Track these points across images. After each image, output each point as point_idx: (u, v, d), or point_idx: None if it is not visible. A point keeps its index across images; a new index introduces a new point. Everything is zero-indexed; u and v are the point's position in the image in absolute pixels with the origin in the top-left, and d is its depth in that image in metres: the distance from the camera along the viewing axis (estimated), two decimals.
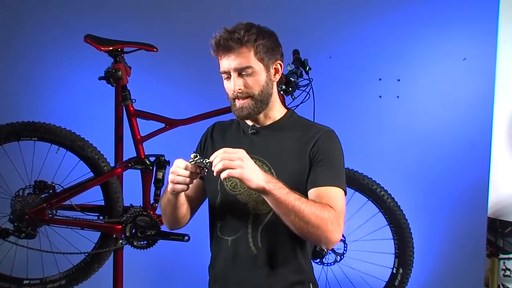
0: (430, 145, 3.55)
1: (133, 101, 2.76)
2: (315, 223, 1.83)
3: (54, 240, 2.86)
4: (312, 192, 1.96)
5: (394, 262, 2.96)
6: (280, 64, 2.09)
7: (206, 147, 2.21)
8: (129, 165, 2.77)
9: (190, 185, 1.91)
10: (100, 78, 2.72)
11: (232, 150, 1.80)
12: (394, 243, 2.94)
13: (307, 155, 1.99)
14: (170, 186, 1.89)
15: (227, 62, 1.98)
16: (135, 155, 2.79)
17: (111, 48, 2.68)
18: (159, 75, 3.51)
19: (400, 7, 3.55)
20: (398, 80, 3.57)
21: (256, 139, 2.08)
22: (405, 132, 3.57)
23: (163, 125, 2.81)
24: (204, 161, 1.83)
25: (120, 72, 2.69)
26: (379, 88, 3.58)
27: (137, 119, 2.78)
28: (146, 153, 2.79)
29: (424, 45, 3.55)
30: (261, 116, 2.07)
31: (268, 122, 2.09)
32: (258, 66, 2.00)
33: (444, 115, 3.56)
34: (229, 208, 2.05)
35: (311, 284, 2.07)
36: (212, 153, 1.87)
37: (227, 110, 2.76)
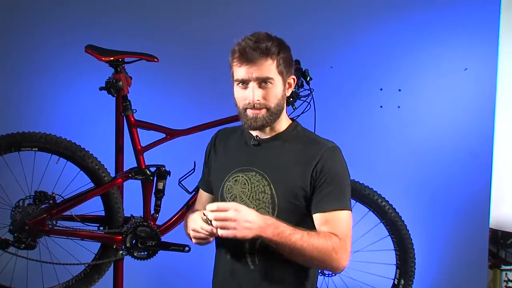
0: (432, 155, 3.54)
1: (134, 111, 2.76)
2: (319, 257, 1.89)
3: (54, 251, 2.85)
4: (317, 217, 1.98)
5: (396, 273, 2.94)
6: (293, 78, 2.09)
7: (210, 157, 2.23)
8: (130, 175, 2.76)
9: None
10: (101, 88, 2.72)
11: (224, 206, 1.84)
12: (396, 254, 2.93)
13: (309, 174, 1.97)
14: (194, 241, 2.00)
15: (248, 71, 1.95)
16: (136, 165, 2.78)
17: (112, 58, 2.68)
18: (160, 85, 3.50)
19: (401, 18, 3.55)
20: (399, 90, 3.56)
21: (258, 151, 2.07)
22: (406, 142, 3.56)
23: (164, 135, 2.80)
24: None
25: (120, 82, 2.69)
26: (380, 98, 3.57)
27: (138, 129, 2.77)
28: (146, 164, 2.79)
29: (425, 55, 3.55)
30: (268, 128, 2.05)
31: (272, 134, 2.08)
32: (277, 79, 1.99)
33: (445, 125, 3.55)
34: None
35: None
36: (216, 161, 2.07)
37: (228, 120, 2.76)
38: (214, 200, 2.18)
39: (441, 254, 3.57)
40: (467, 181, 3.51)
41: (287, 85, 2.05)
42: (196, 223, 1.97)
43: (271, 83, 1.97)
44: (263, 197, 2.00)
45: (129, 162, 2.80)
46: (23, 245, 2.67)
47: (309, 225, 2.00)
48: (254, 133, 2.09)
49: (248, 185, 2.03)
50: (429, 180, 3.55)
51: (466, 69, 3.52)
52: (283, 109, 2.05)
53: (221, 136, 2.24)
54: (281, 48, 2.01)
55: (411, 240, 2.91)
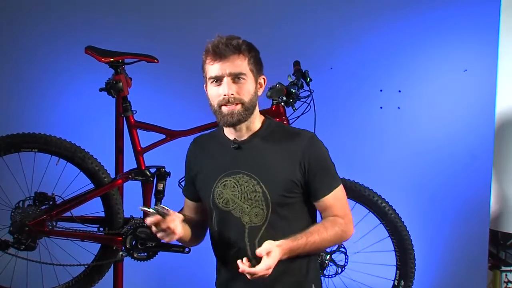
0: (431, 156, 3.54)
1: (134, 112, 2.76)
2: (332, 243, 2.15)
3: (54, 252, 2.85)
4: (318, 205, 2.10)
5: (396, 274, 2.94)
6: (264, 79, 2.13)
7: (191, 166, 2.24)
8: (130, 176, 2.76)
9: (189, 211, 2.23)
10: (101, 90, 2.72)
11: (258, 271, 1.87)
12: (396, 255, 2.93)
13: (297, 166, 2.03)
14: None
15: (221, 67, 2.00)
16: (136, 166, 2.78)
17: (112, 59, 2.69)
18: (160, 86, 3.51)
19: (401, 19, 3.55)
20: (399, 91, 3.57)
21: (240, 153, 2.09)
22: (406, 143, 3.57)
23: (164, 136, 2.80)
24: (155, 208, 1.93)
25: (120, 83, 2.69)
26: (380, 99, 3.57)
27: (138, 130, 2.78)
28: (146, 165, 2.79)
29: (425, 56, 3.56)
30: (244, 127, 2.08)
31: (249, 134, 2.10)
32: (249, 76, 2.04)
33: (445, 126, 3.55)
34: (226, 224, 2.09)
35: (313, 285, 2.12)
36: (199, 170, 2.15)
37: None
38: (201, 207, 2.21)
39: (441, 255, 3.57)
40: (467, 182, 3.51)
41: (258, 85, 2.09)
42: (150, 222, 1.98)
43: (244, 78, 2.02)
44: (255, 196, 2.03)
45: (129, 163, 2.80)
46: (23, 246, 2.68)
47: (306, 213, 2.11)
48: (232, 136, 2.11)
49: (237, 187, 2.05)
50: (429, 181, 3.55)
51: (466, 70, 3.52)
52: (255, 107, 2.09)
53: (198, 143, 2.25)
54: (251, 48, 2.06)
55: (411, 241, 2.91)
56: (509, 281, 3.14)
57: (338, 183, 2.11)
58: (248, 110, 2.03)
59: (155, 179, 2.78)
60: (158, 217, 1.92)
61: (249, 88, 2.03)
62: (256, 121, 2.11)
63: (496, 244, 3.15)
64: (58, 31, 3.47)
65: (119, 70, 2.71)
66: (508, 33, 3.17)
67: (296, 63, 2.92)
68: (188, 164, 2.25)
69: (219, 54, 1.99)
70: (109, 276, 2.89)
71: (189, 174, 2.25)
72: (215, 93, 2.03)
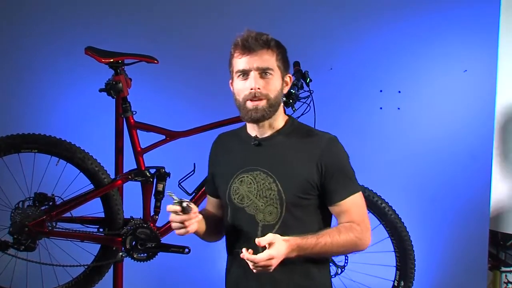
0: (431, 157, 3.55)
1: (134, 113, 2.76)
2: (346, 250, 2.11)
3: (54, 253, 2.85)
4: (333, 209, 2.06)
5: (395, 275, 2.94)
6: (290, 77, 2.13)
7: (212, 163, 2.25)
8: (130, 177, 2.76)
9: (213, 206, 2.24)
10: (101, 90, 2.72)
11: (259, 259, 1.86)
12: (395, 256, 2.93)
13: (314, 168, 2.01)
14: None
15: (249, 61, 1.99)
16: (136, 167, 2.78)
17: (111, 60, 2.68)
18: (159, 87, 3.51)
19: (401, 19, 3.55)
20: (399, 91, 3.57)
21: (260, 150, 2.09)
22: (406, 144, 3.56)
23: (164, 137, 2.80)
24: (180, 200, 1.95)
25: (120, 84, 2.69)
26: (380, 99, 3.57)
27: (138, 131, 2.77)
28: (146, 165, 2.79)
29: (425, 56, 3.56)
30: (266, 124, 2.07)
31: (271, 132, 2.09)
32: (276, 72, 2.03)
33: (445, 127, 3.55)
34: (239, 220, 2.09)
35: None
36: (218, 166, 2.16)
37: (227, 122, 2.76)
38: (221, 203, 2.21)
39: (441, 256, 3.57)
40: (467, 183, 3.51)
41: (284, 83, 2.09)
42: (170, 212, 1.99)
43: (271, 74, 2.01)
44: (270, 194, 2.02)
45: (129, 163, 2.80)
46: (23, 247, 2.67)
47: (322, 216, 2.08)
48: (254, 133, 2.10)
49: (254, 184, 2.05)
50: (429, 181, 3.55)
51: (465, 70, 3.52)
52: (280, 103, 2.09)
53: (221, 141, 2.26)
54: (280, 45, 2.07)
55: (411, 241, 2.92)
56: (509, 282, 3.14)
57: (356, 188, 2.06)
58: (272, 107, 2.02)
59: (155, 180, 2.78)
60: (178, 208, 1.94)
61: (275, 84, 2.03)
62: (280, 119, 2.11)
63: (496, 244, 3.16)
64: (58, 31, 3.47)
65: (119, 70, 2.70)
66: (508, 33, 3.17)
67: (296, 64, 2.91)
68: (210, 161, 2.26)
69: (248, 48, 1.99)
70: (109, 277, 2.89)
71: (210, 170, 2.26)
72: (241, 86, 2.02)
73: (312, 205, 2.05)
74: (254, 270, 1.88)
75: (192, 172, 2.75)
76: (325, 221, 2.10)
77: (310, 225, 2.04)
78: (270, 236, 1.89)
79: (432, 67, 3.55)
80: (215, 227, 2.21)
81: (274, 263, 1.87)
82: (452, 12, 3.53)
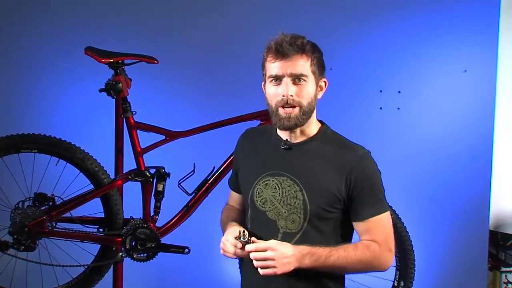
0: (431, 157, 3.54)
1: (134, 113, 2.75)
2: (361, 269, 1.99)
3: (54, 253, 2.85)
4: (357, 226, 2.01)
5: (395, 275, 2.94)
6: (325, 82, 2.07)
7: (238, 157, 2.23)
8: (129, 177, 2.76)
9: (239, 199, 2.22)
10: (101, 90, 2.71)
11: (263, 247, 1.88)
12: (395, 256, 2.92)
13: (343, 182, 1.96)
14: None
15: (283, 66, 1.94)
16: (135, 167, 2.78)
17: (111, 60, 2.68)
18: (159, 87, 3.51)
19: (401, 20, 3.55)
20: (399, 92, 3.56)
21: (289, 155, 2.04)
22: (405, 143, 3.56)
23: (164, 137, 2.80)
24: (246, 240, 1.93)
25: (120, 84, 2.69)
26: (379, 99, 3.57)
27: (138, 131, 2.77)
28: (146, 165, 2.78)
29: (425, 57, 3.55)
30: (298, 131, 2.03)
31: (302, 138, 2.05)
32: (311, 78, 1.98)
33: (445, 127, 3.55)
34: (259, 223, 2.05)
35: None
36: (244, 163, 2.13)
37: (227, 122, 2.76)
38: (243, 199, 2.19)
39: (441, 256, 3.57)
40: (467, 183, 3.51)
41: (318, 88, 2.04)
42: (227, 237, 1.99)
43: (304, 80, 1.96)
44: (295, 202, 1.98)
45: (129, 164, 2.80)
46: (23, 247, 2.67)
47: (344, 232, 2.03)
48: (284, 136, 2.06)
49: (279, 189, 2.00)
50: (428, 181, 3.55)
51: (465, 70, 3.52)
52: (314, 110, 2.04)
53: (249, 136, 2.22)
54: (316, 49, 2.01)
55: (411, 241, 2.91)
56: (508, 282, 3.15)
57: (384, 208, 2.00)
58: (305, 115, 1.98)
59: (154, 180, 2.77)
60: (240, 246, 1.95)
61: (309, 90, 1.97)
62: (313, 126, 2.06)
63: (496, 245, 3.16)
64: (58, 31, 3.46)
65: (118, 71, 2.70)
66: (507, 33, 3.18)
67: None
68: (236, 155, 2.23)
69: (281, 53, 1.94)
70: (109, 277, 2.89)
71: (235, 165, 2.23)
72: (273, 92, 1.98)
73: (336, 219, 2.00)
74: (255, 263, 1.87)
75: (192, 172, 2.75)
76: (347, 237, 2.05)
77: (331, 238, 1.99)
78: (271, 242, 1.90)
79: (432, 67, 3.55)
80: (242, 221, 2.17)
81: (277, 259, 1.85)
82: (452, 12, 3.53)
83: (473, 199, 3.49)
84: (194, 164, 2.72)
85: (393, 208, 2.89)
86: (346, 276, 2.89)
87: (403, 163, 3.55)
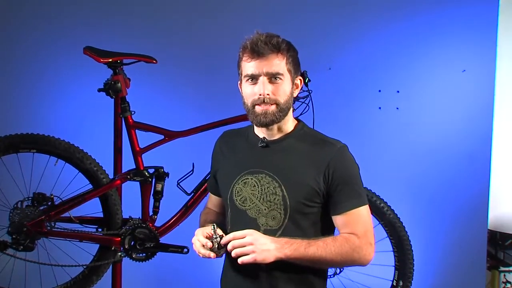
0: (430, 157, 3.54)
1: (132, 112, 2.76)
2: (341, 261, 1.96)
3: (52, 253, 2.85)
4: (336, 219, 2.01)
5: (394, 275, 2.94)
6: (300, 80, 2.10)
7: (216, 160, 2.22)
8: (128, 177, 2.76)
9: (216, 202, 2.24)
10: (99, 90, 2.72)
11: (241, 234, 1.89)
12: (394, 256, 2.93)
13: (321, 176, 1.97)
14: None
15: (258, 65, 1.95)
16: (134, 167, 2.78)
17: (110, 60, 2.68)
18: (158, 87, 3.51)
19: (400, 19, 3.55)
20: (398, 91, 3.57)
21: (266, 153, 2.05)
22: (404, 143, 3.56)
23: (162, 137, 2.80)
24: (217, 239, 1.95)
25: (119, 84, 2.69)
26: (378, 99, 3.57)
27: (136, 130, 2.77)
28: (145, 165, 2.79)
29: (424, 56, 3.55)
30: (275, 128, 2.05)
31: (280, 135, 2.07)
32: (286, 76, 2.00)
33: (443, 127, 3.55)
34: (240, 223, 2.04)
35: None
36: (222, 164, 2.11)
37: (226, 122, 2.76)
38: (222, 202, 2.19)
39: (440, 256, 3.57)
40: (466, 183, 3.51)
41: (294, 86, 2.06)
42: (198, 237, 2.00)
43: (280, 79, 1.97)
44: (274, 198, 1.99)
45: (128, 163, 2.80)
46: (21, 247, 2.67)
47: (324, 228, 2.03)
48: (261, 134, 2.07)
49: (258, 187, 2.01)
50: (427, 181, 3.55)
51: (464, 70, 3.52)
52: (290, 107, 2.05)
53: (226, 138, 2.23)
54: (290, 47, 2.02)
55: (410, 241, 2.91)
56: (507, 281, 3.15)
57: (362, 202, 2.01)
58: (282, 112, 2.00)
59: (153, 180, 2.78)
60: (210, 245, 1.96)
61: (285, 88, 1.99)
62: (289, 123, 2.08)
63: (495, 244, 3.16)
64: (58, 31, 3.46)
65: (117, 70, 2.70)
66: (506, 33, 3.18)
67: None
68: (214, 157, 2.24)
69: (257, 52, 1.95)
70: (108, 277, 2.89)
71: (213, 167, 2.23)
72: (250, 91, 1.99)
73: (316, 213, 2.00)
74: (233, 253, 1.88)
75: (191, 172, 2.75)
76: (328, 232, 2.05)
77: (312, 234, 1.99)
78: (249, 230, 1.91)
79: (431, 67, 3.55)
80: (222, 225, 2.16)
81: (256, 243, 1.87)
82: (450, 12, 3.53)
83: (472, 198, 3.49)
84: (193, 164, 2.72)
85: (392, 208, 2.89)
86: (346, 276, 2.93)
87: (402, 162, 3.55)
